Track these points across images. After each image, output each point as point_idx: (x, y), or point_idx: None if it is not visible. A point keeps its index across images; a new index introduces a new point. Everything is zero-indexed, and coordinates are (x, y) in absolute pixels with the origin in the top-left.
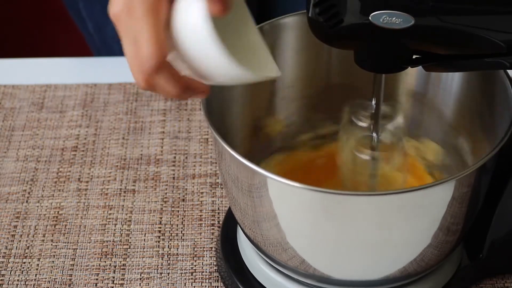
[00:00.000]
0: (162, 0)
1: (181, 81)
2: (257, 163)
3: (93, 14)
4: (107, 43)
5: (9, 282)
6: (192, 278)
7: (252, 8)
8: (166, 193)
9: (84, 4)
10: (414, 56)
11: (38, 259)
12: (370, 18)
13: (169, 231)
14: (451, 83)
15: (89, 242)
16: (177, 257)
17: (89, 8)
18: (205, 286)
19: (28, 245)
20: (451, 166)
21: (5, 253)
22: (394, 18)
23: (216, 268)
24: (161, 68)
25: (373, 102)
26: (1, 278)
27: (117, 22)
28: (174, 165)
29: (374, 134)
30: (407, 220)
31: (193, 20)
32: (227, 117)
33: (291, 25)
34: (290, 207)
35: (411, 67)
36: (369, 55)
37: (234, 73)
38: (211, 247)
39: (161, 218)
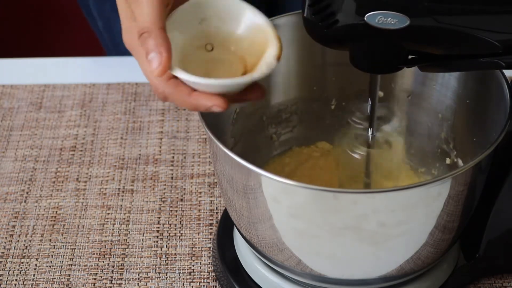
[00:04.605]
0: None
1: (190, 97)
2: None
3: (103, 12)
4: (116, 41)
5: (7, 282)
6: (190, 278)
7: (260, 9)
8: (164, 193)
9: (94, 2)
10: (409, 57)
11: (36, 259)
12: (365, 18)
13: (167, 231)
14: (447, 83)
15: (87, 242)
16: (175, 257)
17: (99, 6)
18: (203, 286)
19: (26, 245)
20: (444, 166)
21: (3, 253)
22: (389, 19)
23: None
24: (163, 91)
25: (369, 102)
26: (0, 278)
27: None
28: (172, 165)
29: (370, 134)
30: (403, 218)
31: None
32: (222, 117)
33: (286, 25)
34: (286, 206)
35: (407, 67)
36: (364, 55)
37: (223, 87)
38: (209, 247)
39: (159, 218)
